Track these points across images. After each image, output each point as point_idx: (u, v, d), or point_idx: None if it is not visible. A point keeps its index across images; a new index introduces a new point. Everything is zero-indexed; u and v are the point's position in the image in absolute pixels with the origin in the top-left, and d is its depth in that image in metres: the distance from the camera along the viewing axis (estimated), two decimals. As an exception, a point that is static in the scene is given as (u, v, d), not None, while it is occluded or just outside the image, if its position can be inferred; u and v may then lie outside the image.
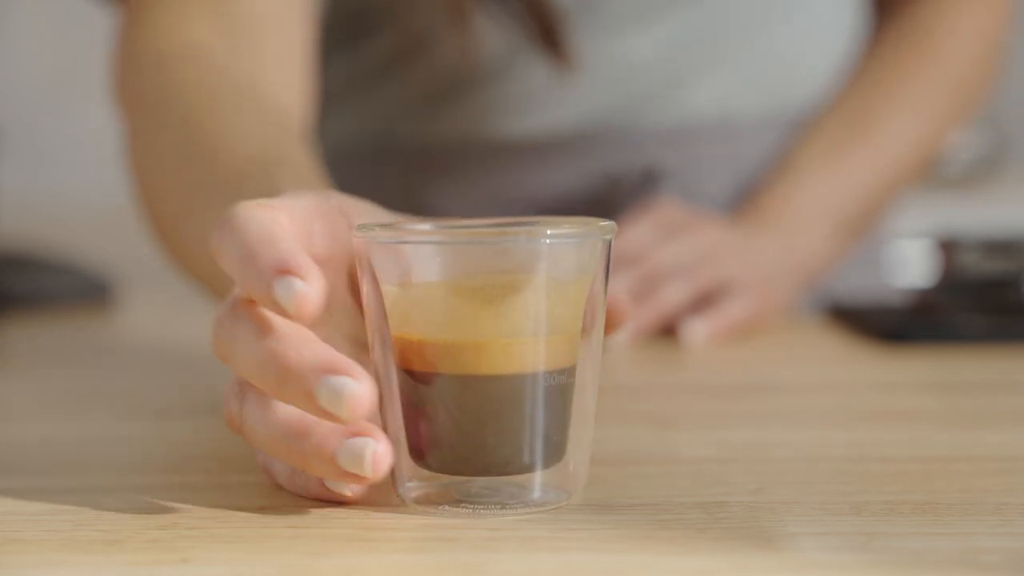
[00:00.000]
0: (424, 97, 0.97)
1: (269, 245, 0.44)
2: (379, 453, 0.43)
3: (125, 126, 0.75)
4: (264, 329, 0.44)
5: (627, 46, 0.94)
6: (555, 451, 0.45)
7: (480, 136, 0.96)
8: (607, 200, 0.95)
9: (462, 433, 0.45)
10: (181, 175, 0.64)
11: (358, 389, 0.42)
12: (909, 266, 1.16)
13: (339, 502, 0.46)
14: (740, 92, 0.97)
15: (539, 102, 0.95)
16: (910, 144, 0.98)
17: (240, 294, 0.46)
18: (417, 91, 0.97)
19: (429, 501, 0.45)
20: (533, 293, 0.44)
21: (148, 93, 0.72)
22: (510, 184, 0.96)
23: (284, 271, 0.43)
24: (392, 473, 0.46)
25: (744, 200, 0.96)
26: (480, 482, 0.45)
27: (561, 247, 0.44)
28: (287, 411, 0.45)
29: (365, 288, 0.46)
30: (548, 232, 0.44)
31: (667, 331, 0.85)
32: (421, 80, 0.96)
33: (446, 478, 0.45)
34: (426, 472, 0.46)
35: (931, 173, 1.05)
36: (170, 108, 0.69)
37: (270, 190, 0.52)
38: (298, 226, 0.48)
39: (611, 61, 0.94)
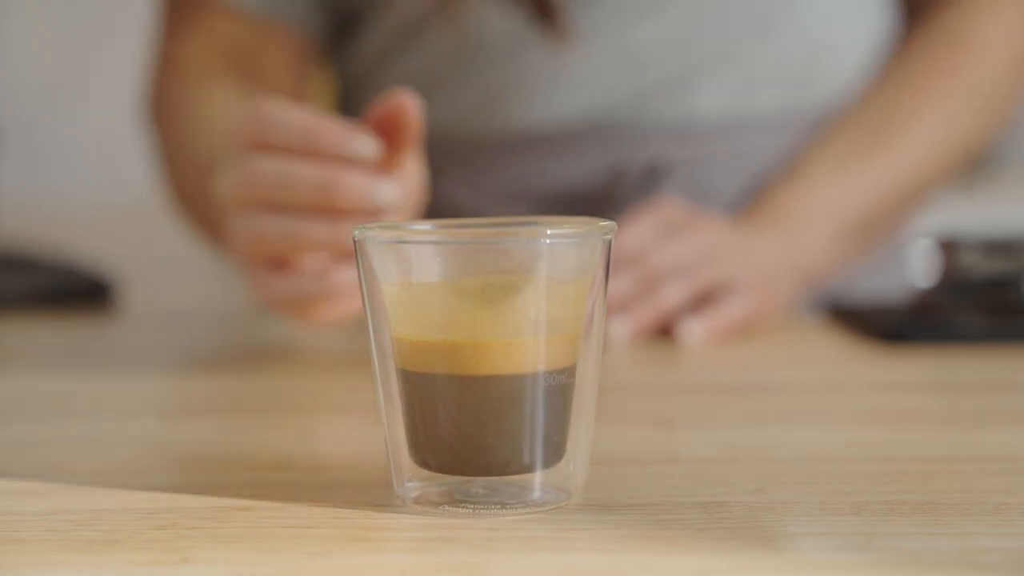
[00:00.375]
0: (427, 81, 0.97)
1: (333, 122, 0.68)
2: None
3: (159, 137, 0.97)
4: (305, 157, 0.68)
5: (633, 36, 0.94)
6: (555, 451, 0.45)
7: (485, 126, 0.96)
8: (610, 195, 0.95)
9: (462, 433, 0.45)
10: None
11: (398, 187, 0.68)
12: (909, 266, 1.16)
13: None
14: (752, 90, 0.96)
15: (543, 91, 0.95)
16: (932, 152, 0.96)
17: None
18: (419, 75, 0.98)
19: (429, 501, 0.45)
20: (533, 293, 0.44)
21: (182, 111, 0.94)
22: (515, 176, 0.96)
23: (353, 135, 0.68)
24: (392, 473, 0.46)
25: (750, 199, 0.95)
26: (480, 482, 0.45)
27: (561, 247, 0.44)
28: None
29: (365, 288, 0.46)
30: (548, 232, 0.44)
31: (666, 331, 0.85)
32: (423, 64, 0.97)
33: (446, 478, 0.45)
34: (426, 472, 0.46)
35: (952, 176, 1.03)
36: (202, 122, 0.90)
37: None
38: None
39: (616, 51, 0.94)
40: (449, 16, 0.95)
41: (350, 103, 1.02)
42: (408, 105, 0.69)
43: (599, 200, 0.94)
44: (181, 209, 0.97)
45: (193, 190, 0.92)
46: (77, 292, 1.04)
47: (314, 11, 1.00)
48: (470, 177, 0.96)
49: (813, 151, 0.95)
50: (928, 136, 0.96)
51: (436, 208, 0.91)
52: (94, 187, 2.03)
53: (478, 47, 0.95)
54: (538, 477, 0.45)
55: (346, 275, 0.70)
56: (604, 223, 0.46)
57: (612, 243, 0.46)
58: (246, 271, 0.74)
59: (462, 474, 0.45)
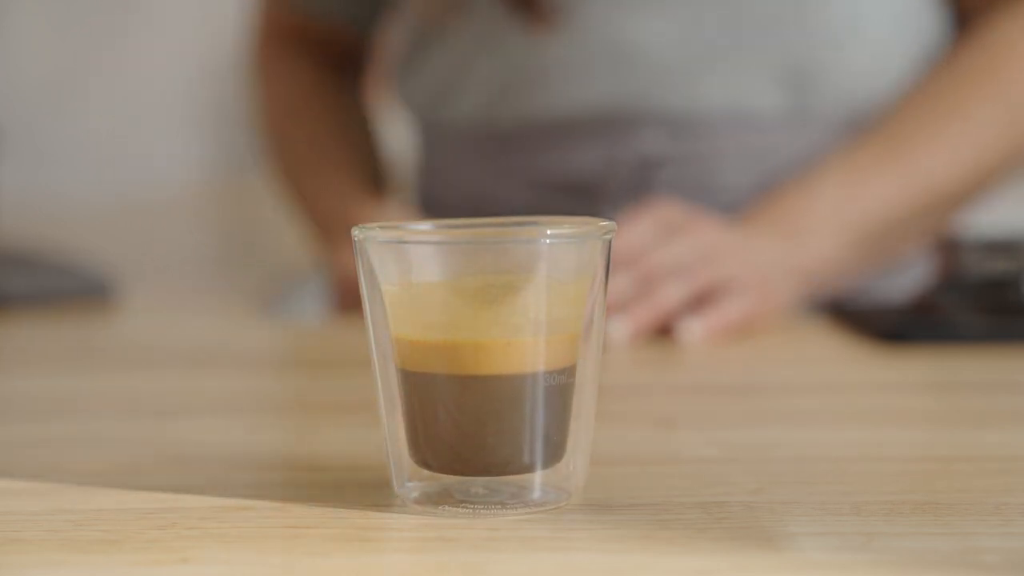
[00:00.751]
0: (448, 75, 1.00)
1: None
2: None
3: (261, 92, 1.16)
4: None
5: (635, 27, 0.94)
6: (555, 451, 0.45)
7: (497, 117, 0.98)
8: (611, 187, 0.95)
9: (462, 433, 0.45)
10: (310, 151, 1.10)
11: None
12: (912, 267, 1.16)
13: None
14: (757, 87, 0.95)
15: (549, 82, 0.95)
16: (956, 168, 0.92)
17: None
18: (442, 70, 1.01)
19: (429, 501, 0.45)
20: (533, 293, 0.44)
21: (280, 75, 1.15)
22: (528, 165, 0.97)
23: None
24: (392, 473, 0.46)
25: (759, 199, 0.95)
26: (480, 482, 0.45)
27: (561, 247, 0.45)
28: None
29: (365, 288, 0.46)
30: (548, 232, 0.44)
31: (666, 331, 0.85)
32: (444, 59, 1.00)
33: (446, 478, 0.45)
34: (426, 472, 0.46)
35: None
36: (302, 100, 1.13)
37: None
38: None
39: (618, 42, 0.94)
40: (441, 14, 0.97)
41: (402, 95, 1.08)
42: None
43: (604, 190, 0.94)
44: (278, 168, 1.15)
45: (298, 187, 1.12)
46: (77, 292, 1.04)
47: (343, 6, 1.11)
48: (487, 166, 0.97)
49: (831, 158, 0.94)
50: (953, 152, 0.93)
51: (456, 196, 0.98)
52: (94, 187, 2.03)
53: (482, 42, 0.97)
54: (538, 477, 0.45)
55: None
56: (604, 223, 0.46)
57: (612, 243, 0.46)
58: (345, 292, 0.95)
59: (462, 474, 0.45)
